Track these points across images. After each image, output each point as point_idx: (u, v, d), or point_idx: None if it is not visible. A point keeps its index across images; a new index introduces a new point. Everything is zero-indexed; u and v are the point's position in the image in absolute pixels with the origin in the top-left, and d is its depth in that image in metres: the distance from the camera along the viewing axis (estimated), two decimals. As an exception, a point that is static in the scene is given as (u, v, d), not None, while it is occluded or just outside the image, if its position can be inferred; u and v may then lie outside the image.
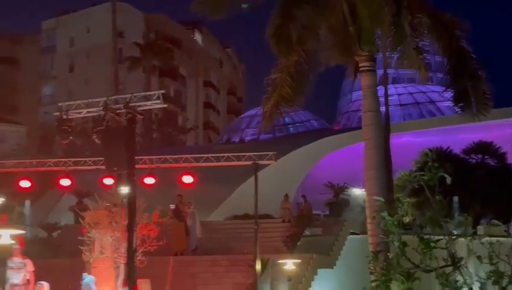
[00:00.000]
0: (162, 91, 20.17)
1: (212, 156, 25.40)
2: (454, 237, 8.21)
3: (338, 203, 34.53)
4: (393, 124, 29.16)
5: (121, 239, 21.79)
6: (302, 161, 42.84)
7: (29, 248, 22.92)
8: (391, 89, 45.91)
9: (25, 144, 59.88)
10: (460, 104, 19.75)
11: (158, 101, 19.52)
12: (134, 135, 20.07)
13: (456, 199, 28.16)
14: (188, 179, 24.61)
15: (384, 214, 8.45)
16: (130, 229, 19.39)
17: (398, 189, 27.14)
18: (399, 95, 55.65)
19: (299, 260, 24.17)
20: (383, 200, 9.75)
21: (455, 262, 8.11)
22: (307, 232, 29.32)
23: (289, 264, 23.74)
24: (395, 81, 55.38)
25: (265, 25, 18.46)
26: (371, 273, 9.90)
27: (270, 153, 24.90)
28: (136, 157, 20.56)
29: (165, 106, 20.75)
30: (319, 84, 21.41)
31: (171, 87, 77.04)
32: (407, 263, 8.37)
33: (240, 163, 24.98)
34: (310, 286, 25.54)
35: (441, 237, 8.21)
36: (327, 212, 35.00)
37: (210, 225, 32.04)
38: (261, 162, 24.61)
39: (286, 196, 33.28)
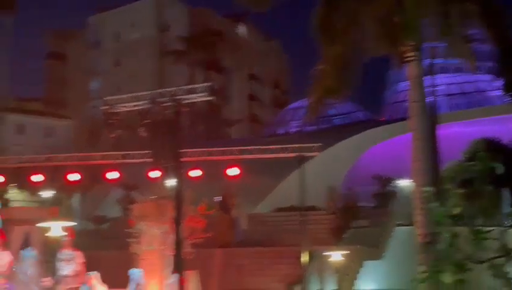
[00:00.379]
0: (208, 84, 20.24)
1: (257, 149, 25.41)
2: (505, 228, 8.09)
3: (384, 195, 34.26)
4: (440, 115, 28.83)
5: (168, 231, 21.91)
6: (348, 153, 42.58)
7: (78, 240, 23.22)
8: (438, 79, 45.32)
9: (73, 137, 60.67)
10: (510, 93, 19.39)
11: (204, 94, 19.59)
12: (181, 128, 20.15)
13: (506, 190, 27.71)
14: (233, 171, 24.66)
15: (434, 205, 8.35)
16: (178, 221, 19.53)
17: (446, 180, 26.79)
18: (446, 85, 54.91)
19: (347, 251, 24.07)
20: (431, 190, 9.63)
21: (507, 253, 7.99)
22: (353, 224, 29.16)
23: (336, 255, 23.63)
24: (442, 70, 54.65)
25: (309, 16, 18.37)
26: (420, 264, 9.80)
27: (315, 145, 24.81)
28: (182, 151, 20.67)
29: (211, 98, 20.81)
30: (364, 75, 21.23)
31: (216, 80, 77.22)
32: (457, 254, 8.26)
33: (285, 155, 24.95)
34: (356, 278, 25.42)
35: (492, 228, 8.09)
36: (373, 204, 34.76)
37: (256, 217, 32.07)
38: (306, 154, 24.54)
39: (332, 187, 33.12)
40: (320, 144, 25.51)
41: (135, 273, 21.20)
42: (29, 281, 20.68)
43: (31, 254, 20.27)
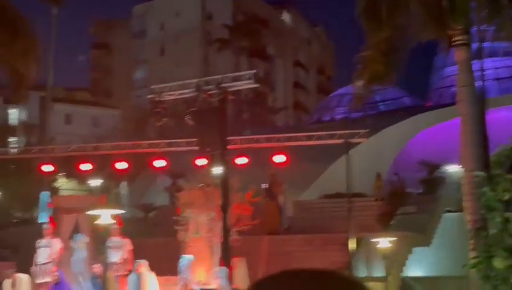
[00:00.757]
0: (254, 71, 20.26)
1: (303, 135, 25.35)
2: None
3: (432, 181, 33.95)
4: (489, 99, 28.39)
5: (215, 219, 22.03)
6: (395, 139, 42.24)
7: (126, 227, 23.50)
8: (487, 62, 44.61)
9: (119, 127, 61.29)
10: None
11: (249, 81, 19.60)
12: (226, 115, 20.21)
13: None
14: (280, 158, 24.63)
15: (485, 189, 8.25)
16: (224, 208, 19.63)
17: (496, 165, 26.46)
18: (495, 69, 54.05)
19: (395, 238, 23.92)
20: (483, 175, 9.50)
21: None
22: (400, 210, 28.97)
23: (383, 242, 23.51)
24: (491, 54, 53.76)
25: (354, 1, 18.22)
26: (471, 250, 9.68)
27: (362, 131, 24.65)
28: (228, 138, 20.73)
29: (257, 85, 20.83)
30: (411, 60, 21.00)
31: (260, 68, 77.26)
32: (509, 240, 8.15)
33: (332, 141, 24.84)
34: (405, 265, 25.26)
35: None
36: (421, 190, 34.47)
37: (302, 204, 32.06)
38: (352, 140, 24.40)
39: (378, 174, 32.93)
40: (367, 130, 25.33)
41: (186, 259, 21.38)
42: (78, 268, 21.00)
43: (82, 240, 20.54)
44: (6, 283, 20.67)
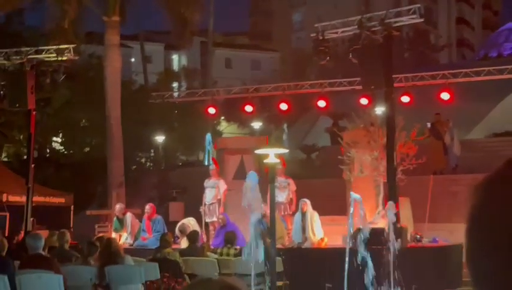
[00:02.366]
0: (418, 5, 19.78)
1: (471, 71, 24.61)
2: None
3: None
4: None
5: (379, 158, 21.95)
6: None
7: (289, 168, 23.92)
8: None
9: (279, 70, 61.98)
10: None
11: (414, 16, 19.17)
12: (391, 52, 19.90)
13: None
14: (445, 96, 24.10)
15: None
16: (389, 147, 19.50)
17: None
18: None
19: None
20: None
21: None
22: None
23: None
24: None
25: None
26: None
27: (535, 65, 23.62)
28: (392, 76, 20.48)
29: (421, 20, 20.32)
30: None
31: (422, 4, 75.06)
32: None
33: (502, 77, 23.97)
34: None
35: None
36: None
37: (469, 143, 31.27)
38: (524, 75, 23.46)
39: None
40: (539, 64, 24.21)
41: (353, 198, 21.52)
42: (248, 206, 21.62)
43: (254, 177, 21.09)
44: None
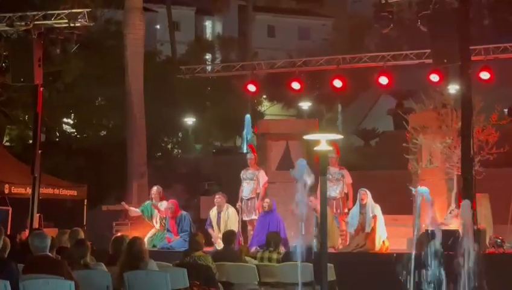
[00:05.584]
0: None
1: None
2: None
3: None
4: None
5: (452, 146, 21.78)
6: None
7: (343, 157, 23.83)
8: None
9: (331, 39, 61.66)
10: None
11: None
12: (468, 19, 19.68)
13: None
14: (534, 72, 23.81)
15: None
16: (465, 134, 19.32)
17: None
18: None
19: None
20: None
21: None
22: None
23: None
24: None
25: None
26: None
27: None
28: (469, 47, 20.25)
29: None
30: None
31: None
32: None
33: None
34: None
35: None
36: None
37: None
38: None
39: None
40: None
41: (421, 193, 21.36)
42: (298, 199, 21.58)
43: (303, 165, 21.00)
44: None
